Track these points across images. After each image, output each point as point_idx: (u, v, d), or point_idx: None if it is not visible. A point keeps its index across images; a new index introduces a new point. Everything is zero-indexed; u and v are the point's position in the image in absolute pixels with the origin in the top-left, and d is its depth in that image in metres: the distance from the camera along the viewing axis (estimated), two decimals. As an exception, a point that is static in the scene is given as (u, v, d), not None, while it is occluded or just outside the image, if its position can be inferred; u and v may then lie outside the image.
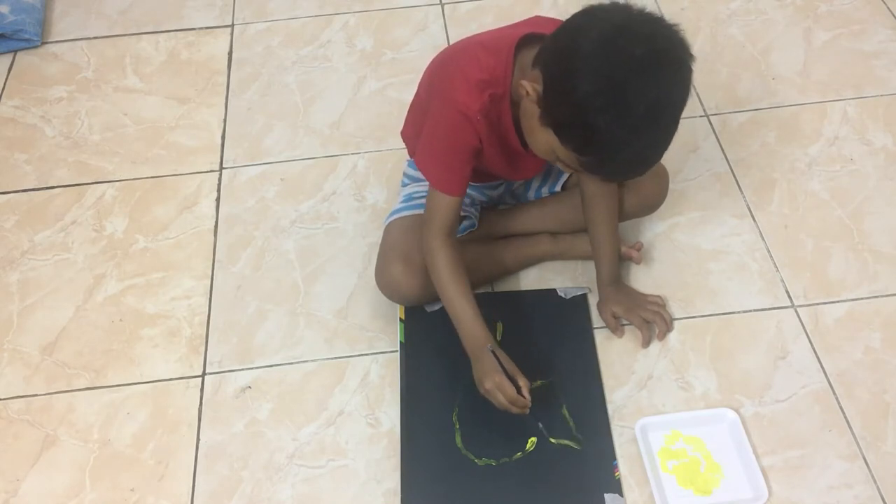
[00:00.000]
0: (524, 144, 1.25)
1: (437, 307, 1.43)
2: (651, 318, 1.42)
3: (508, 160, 1.32)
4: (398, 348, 1.40)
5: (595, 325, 1.44)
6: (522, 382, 1.23)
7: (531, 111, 1.15)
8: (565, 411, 1.32)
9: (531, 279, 1.51)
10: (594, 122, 1.05)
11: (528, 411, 1.24)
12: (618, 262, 1.45)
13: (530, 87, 1.12)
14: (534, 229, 1.51)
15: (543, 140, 1.15)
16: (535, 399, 1.26)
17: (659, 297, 1.46)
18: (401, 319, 1.43)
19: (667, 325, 1.42)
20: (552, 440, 1.29)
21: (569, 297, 1.47)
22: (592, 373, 1.38)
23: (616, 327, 1.42)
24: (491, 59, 1.20)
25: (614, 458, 1.28)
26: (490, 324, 1.34)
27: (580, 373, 1.38)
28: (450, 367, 1.37)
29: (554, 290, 1.48)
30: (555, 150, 1.14)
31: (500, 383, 1.22)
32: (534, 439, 1.29)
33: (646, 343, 1.41)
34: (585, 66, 1.05)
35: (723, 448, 1.29)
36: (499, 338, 1.39)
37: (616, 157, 1.09)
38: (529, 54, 1.17)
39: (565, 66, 1.07)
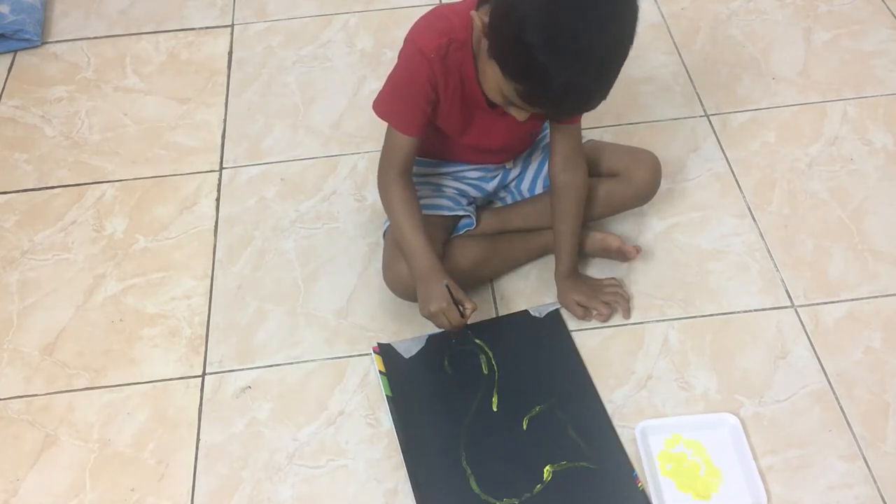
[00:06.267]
0: (490, 103, 1.28)
1: (414, 352, 1.41)
2: (613, 300, 1.46)
3: (466, 116, 1.33)
4: (385, 400, 1.36)
5: (573, 329, 1.44)
6: (469, 305, 1.30)
7: (482, 46, 1.18)
8: (571, 432, 1.31)
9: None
10: (529, 41, 1.06)
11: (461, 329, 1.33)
12: (577, 256, 1.46)
13: (478, 18, 1.15)
14: (532, 225, 1.51)
15: (491, 75, 1.17)
16: (539, 427, 1.31)
17: (614, 278, 1.49)
18: (381, 372, 1.38)
19: (627, 302, 1.46)
20: (568, 464, 1.28)
21: (543, 315, 1.46)
22: (587, 387, 1.37)
23: (584, 314, 1.45)
24: (454, 15, 1.26)
25: (633, 470, 1.27)
26: (474, 357, 1.38)
27: (575, 389, 1.37)
28: (446, 413, 1.35)
29: (526, 311, 1.47)
30: (500, 87, 1.16)
31: (447, 309, 1.29)
32: (549, 468, 1.27)
33: (607, 318, 1.45)
34: None
35: (723, 453, 1.29)
36: (485, 371, 1.38)
37: (550, 84, 1.09)
38: None
39: None
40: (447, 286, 1.29)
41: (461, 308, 1.30)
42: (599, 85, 1.12)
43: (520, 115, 1.21)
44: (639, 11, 1.10)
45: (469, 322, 1.43)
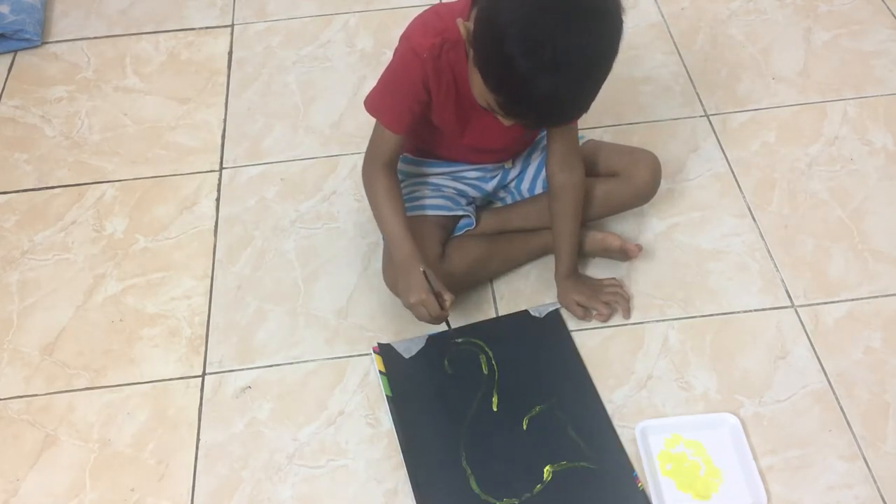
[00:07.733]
0: None
1: (414, 352, 1.41)
2: (613, 300, 1.45)
3: (461, 116, 1.33)
4: (385, 400, 1.36)
5: (573, 329, 1.44)
6: (448, 296, 1.28)
7: (470, 53, 1.18)
8: (571, 432, 1.31)
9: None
10: (509, 52, 1.06)
11: (443, 322, 1.30)
12: (577, 256, 1.46)
13: (463, 26, 1.16)
14: (532, 225, 1.51)
15: (476, 83, 1.18)
16: (539, 427, 1.31)
17: (614, 278, 1.49)
18: (381, 372, 1.38)
19: (627, 302, 1.46)
20: (568, 464, 1.28)
21: (543, 315, 1.46)
22: (587, 387, 1.36)
23: (584, 314, 1.45)
24: (449, 15, 1.25)
25: (633, 470, 1.27)
26: (474, 357, 1.38)
27: (575, 389, 1.36)
28: (446, 413, 1.35)
29: (526, 311, 1.47)
30: (484, 95, 1.17)
31: (426, 300, 1.27)
32: (549, 468, 1.27)
33: (607, 318, 1.44)
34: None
35: (723, 453, 1.29)
36: (485, 371, 1.38)
37: (529, 95, 1.09)
38: None
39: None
40: (424, 273, 1.28)
41: (440, 300, 1.28)
42: (579, 97, 1.12)
43: (505, 120, 1.21)
44: (623, 24, 1.09)
45: (467, 322, 1.43)
